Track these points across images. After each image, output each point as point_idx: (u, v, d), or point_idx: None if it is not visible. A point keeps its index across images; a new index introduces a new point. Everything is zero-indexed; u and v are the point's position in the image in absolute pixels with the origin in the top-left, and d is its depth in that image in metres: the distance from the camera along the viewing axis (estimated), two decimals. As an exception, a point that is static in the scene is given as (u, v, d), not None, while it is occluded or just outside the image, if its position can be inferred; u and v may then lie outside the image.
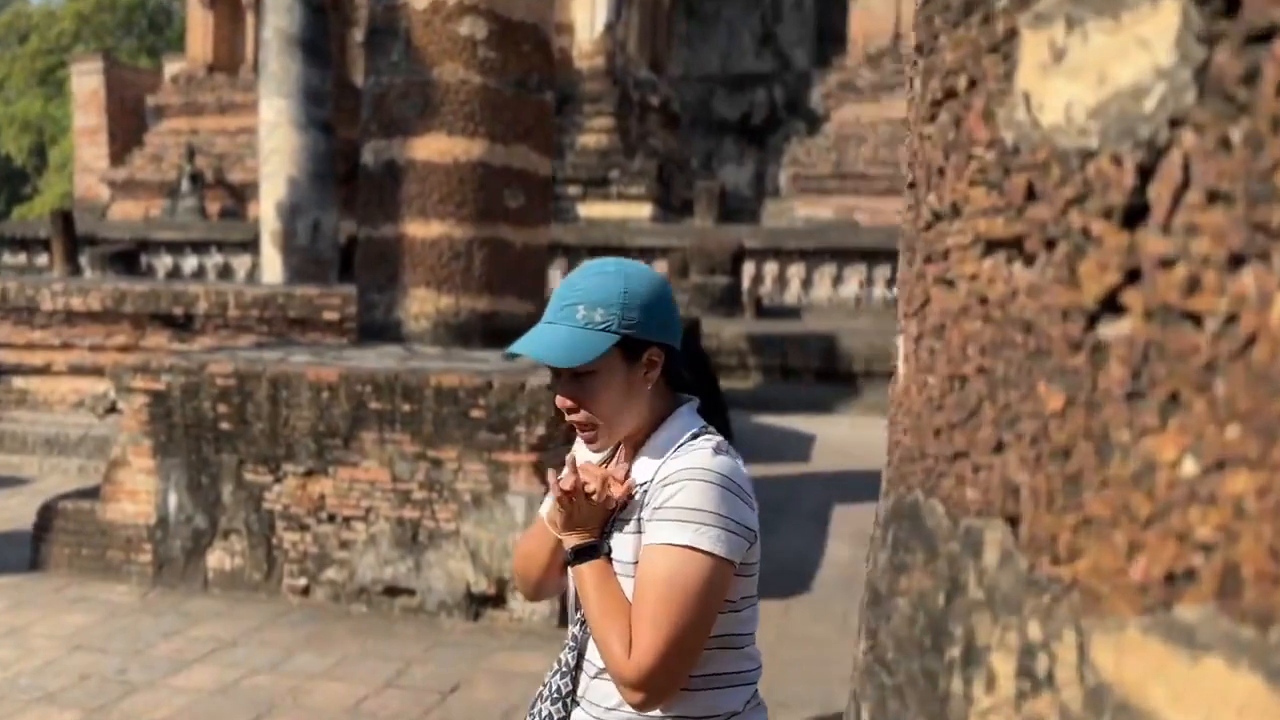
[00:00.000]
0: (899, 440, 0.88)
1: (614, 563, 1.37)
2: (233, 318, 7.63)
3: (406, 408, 4.60)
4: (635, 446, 1.41)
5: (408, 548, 4.57)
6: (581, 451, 1.50)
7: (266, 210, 12.81)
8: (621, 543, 1.37)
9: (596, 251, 14.62)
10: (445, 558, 4.52)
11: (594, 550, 1.37)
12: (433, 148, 5.83)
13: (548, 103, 6.26)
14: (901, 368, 0.87)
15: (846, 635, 4.27)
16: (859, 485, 7.30)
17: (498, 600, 4.47)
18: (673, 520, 1.28)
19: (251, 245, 14.71)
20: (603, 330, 1.35)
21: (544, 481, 4.47)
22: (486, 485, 4.49)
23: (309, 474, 4.70)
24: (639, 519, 1.35)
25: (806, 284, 13.51)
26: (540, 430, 4.41)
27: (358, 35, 20.76)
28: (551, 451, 4.51)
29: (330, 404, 4.68)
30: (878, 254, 13.31)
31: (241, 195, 17.86)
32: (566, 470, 1.41)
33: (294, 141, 13.01)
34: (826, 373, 10.69)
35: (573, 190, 15.72)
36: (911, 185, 0.86)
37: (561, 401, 1.40)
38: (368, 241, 6.11)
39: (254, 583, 4.74)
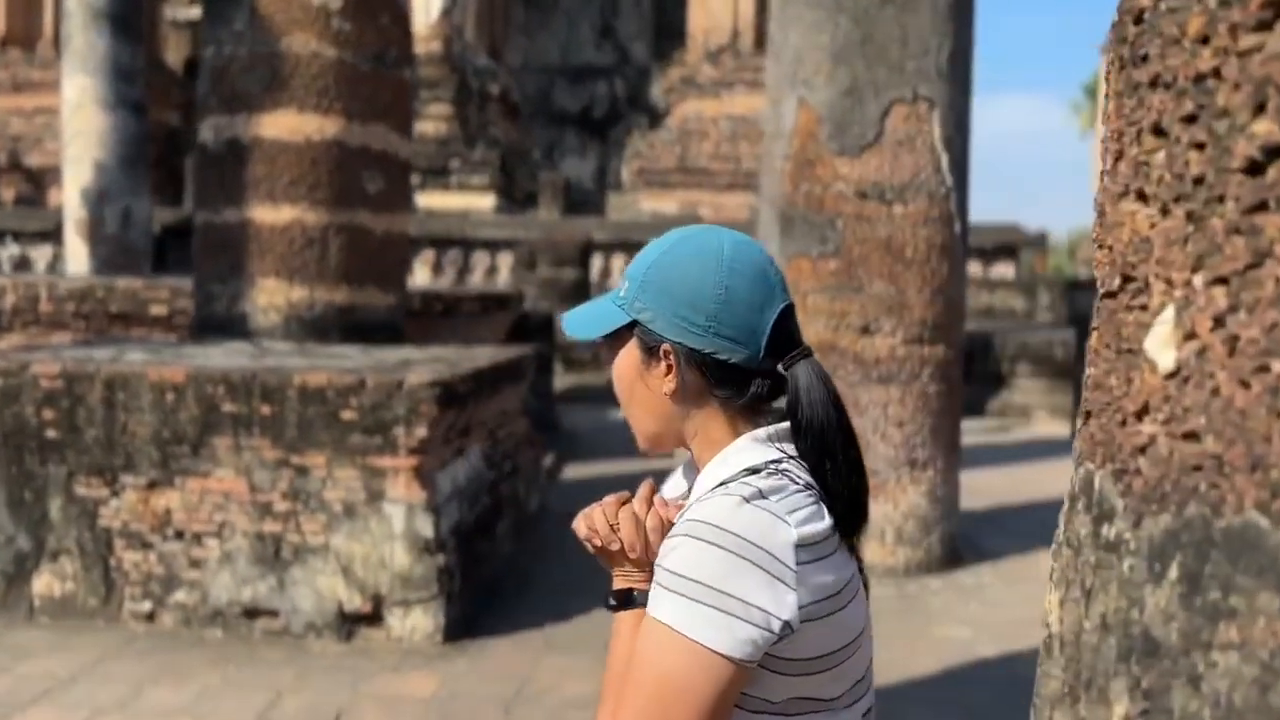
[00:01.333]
0: (1147, 444, 0.70)
1: None
2: (45, 313, 6.87)
3: (266, 410, 4.17)
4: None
5: (269, 565, 4.15)
6: (672, 481, 1.24)
7: (70, 197, 11.73)
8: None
9: (437, 243, 14.12)
10: (313, 574, 4.12)
11: (628, 599, 1.11)
12: (282, 125, 5.37)
13: (406, 80, 5.89)
14: (1168, 355, 0.68)
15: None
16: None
17: (374, 618, 4.10)
18: (659, 585, 1.00)
19: (53, 235, 13.47)
20: (618, 306, 1.12)
21: (424, 488, 4.15)
22: (360, 494, 4.12)
23: (152, 486, 4.20)
24: None
25: (654, 278, 13.42)
26: (421, 432, 4.08)
27: (169, 11, 19.43)
28: (433, 454, 4.18)
29: (176, 407, 4.20)
30: (723, 248, 13.38)
31: (40, 181, 16.37)
32: (593, 510, 1.13)
33: (101, 122, 11.96)
34: (680, 366, 10.62)
35: (411, 179, 15.14)
36: (1189, 119, 0.67)
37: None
38: (207, 227, 5.58)
39: (90, 609, 4.20)
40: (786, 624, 0.97)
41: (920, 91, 5.10)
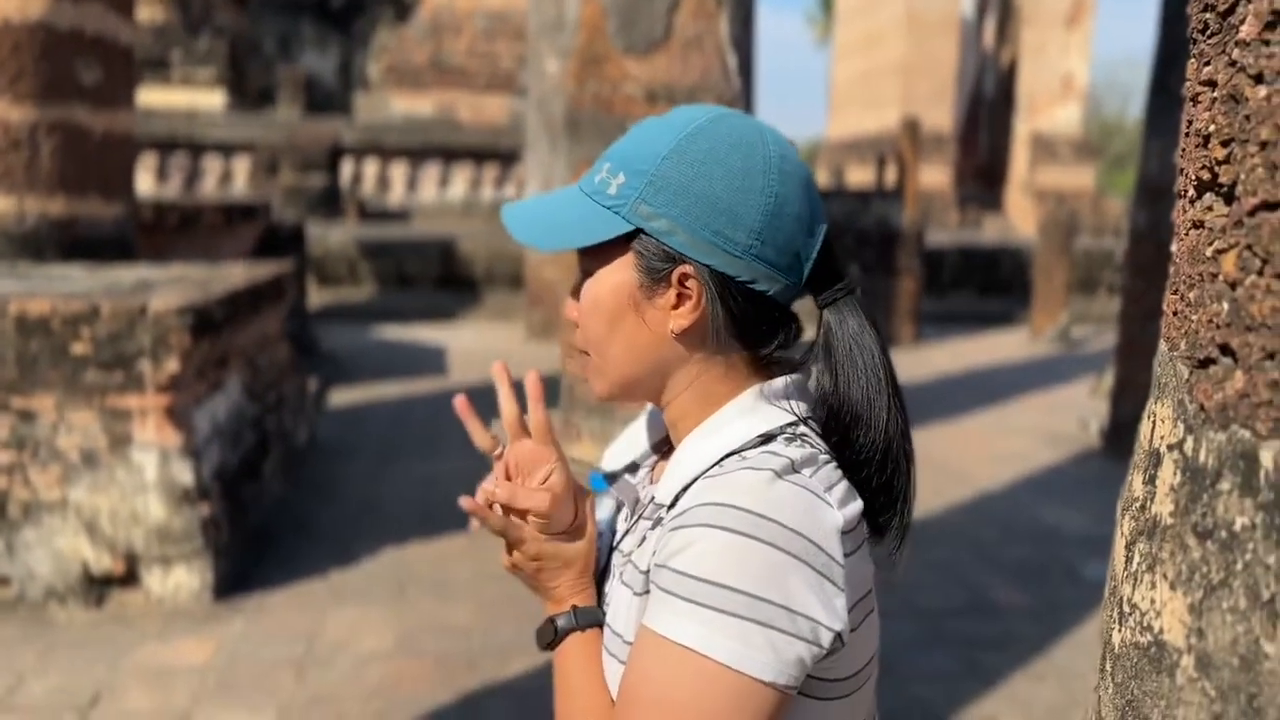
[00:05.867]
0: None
1: (606, 630, 0.86)
2: None
3: (-26, 345, 3.49)
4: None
5: (-8, 526, 3.52)
6: (627, 438, 0.96)
7: None
8: (619, 601, 0.84)
9: (159, 146, 12.72)
10: (50, 534, 3.54)
11: (574, 618, 0.87)
12: (-30, 1, 4.45)
13: (125, -46, 5.04)
14: None
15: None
16: (504, 396, 6.96)
17: (128, 579, 3.59)
18: (673, 594, 0.74)
19: None
20: (609, 208, 0.81)
21: (179, 429, 3.63)
22: (101, 439, 3.55)
23: None
24: (646, 571, 0.81)
25: (411, 185, 12.71)
26: (172, 366, 3.54)
27: None
28: (186, 390, 3.66)
29: None
30: (485, 153, 12.82)
31: None
32: (496, 469, 0.90)
33: None
34: (446, 279, 10.15)
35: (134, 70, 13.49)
36: None
37: (567, 308, 0.88)
38: (-123, 124, 4.60)
39: None
40: (838, 635, 0.74)
41: (708, -13, 4.86)
